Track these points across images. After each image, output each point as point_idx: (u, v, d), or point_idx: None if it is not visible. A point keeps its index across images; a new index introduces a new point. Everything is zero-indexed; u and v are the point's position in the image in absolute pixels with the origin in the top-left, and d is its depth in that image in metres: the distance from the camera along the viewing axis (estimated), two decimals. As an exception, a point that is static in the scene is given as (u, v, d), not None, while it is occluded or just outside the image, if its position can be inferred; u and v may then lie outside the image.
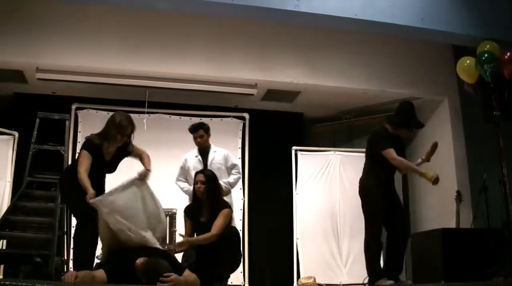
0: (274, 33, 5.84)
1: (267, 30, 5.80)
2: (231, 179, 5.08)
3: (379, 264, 4.36)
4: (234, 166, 5.17)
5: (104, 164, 3.97)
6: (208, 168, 4.86)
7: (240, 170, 5.31)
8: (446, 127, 6.19)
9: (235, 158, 5.69)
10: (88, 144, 3.88)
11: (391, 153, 4.29)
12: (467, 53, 5.17)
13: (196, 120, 5.69)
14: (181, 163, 5.16)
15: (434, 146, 4.56)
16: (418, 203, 6.64)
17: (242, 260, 5.76)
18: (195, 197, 4.24)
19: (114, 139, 3.88)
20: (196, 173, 4.34)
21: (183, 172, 5.13)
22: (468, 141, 6.03)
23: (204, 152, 5.09)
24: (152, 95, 6.03)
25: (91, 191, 3.55)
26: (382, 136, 4.45)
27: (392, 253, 4.41)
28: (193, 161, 5.07)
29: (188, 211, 4.30)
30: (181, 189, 5.10)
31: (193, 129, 5.08)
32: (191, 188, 4.50)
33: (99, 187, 3.94)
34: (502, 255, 4.30)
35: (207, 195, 4.15)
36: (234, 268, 4.18)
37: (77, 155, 5.63)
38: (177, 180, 5.13)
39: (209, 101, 6.33)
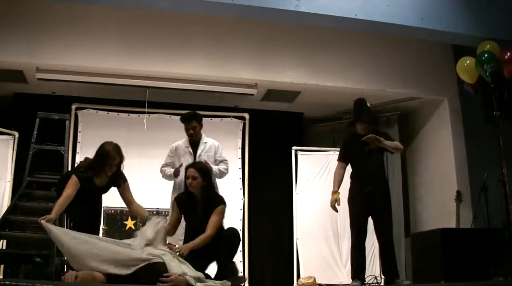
0: (274, 33, 5.84)
1: (267, 30, 5.80)
2: (221, 167, 4.80)
3: (361, 266, 4.39)
4: (223, 160, 4.85)
5: (97, 189, 3.99)
6: (197, 159, 4.65)
7: (229, 166, 4.91)
8: (446, 127, 6.18)
9: (224, 152, 5.10)
10: (80, 174, 3.86)
11: (338, 164, 4.66)
12: (467, 53, 5.18)
13: (196, 120, 5.65)
14: (168, 151, 4.90)
15: (370, 139, 4.42)
16: (418, 203, 6.64)
17: (242, 260, 5.81)
18: (187, 190, 4.01)
19: (104, 170, 3.89)
20: (187, 168, 4.03)
21: (171, 160, 4.86)
22: (468, 141, 6.02)
23: (194, 142, 4.84)
24: (152, 95, 6.03)
25: (51, 216, 3.44)
26: (341, 146, 4.72)
27: (382, 257, 4.50)
28: (183, 151, 4.83)
29: (180, 201, 4.04)
30: (164, 173, 4.81)
31: (186, 119, 4.80)
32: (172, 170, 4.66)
33: (94, 206, 4.07)
34: (502, 255, 4.31)
35: (201, 190, 3.94)
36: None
37: (76, 156, 5.70)
38: (163, 166, 4.86)
39: (209, 101, 6.33)
